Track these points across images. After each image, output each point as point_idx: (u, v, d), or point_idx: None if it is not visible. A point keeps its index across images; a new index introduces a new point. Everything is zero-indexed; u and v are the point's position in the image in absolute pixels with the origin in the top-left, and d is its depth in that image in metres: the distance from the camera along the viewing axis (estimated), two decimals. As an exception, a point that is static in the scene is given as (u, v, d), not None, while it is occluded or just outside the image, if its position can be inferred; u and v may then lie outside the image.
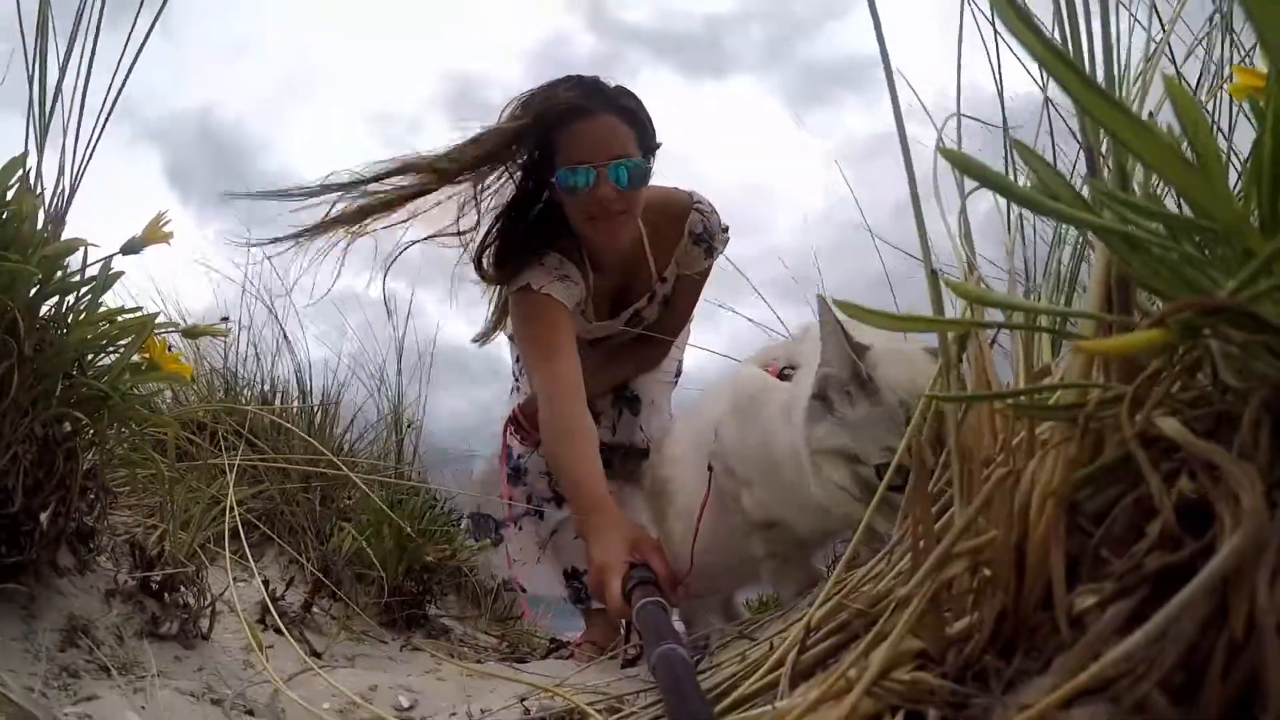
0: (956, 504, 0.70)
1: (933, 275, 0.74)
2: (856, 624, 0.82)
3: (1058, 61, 0.53)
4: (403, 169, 2.38)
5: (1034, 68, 1.09)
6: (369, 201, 2.35)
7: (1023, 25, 0.52)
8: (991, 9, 0.56)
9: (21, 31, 1.17)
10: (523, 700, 1.22)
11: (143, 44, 1.24)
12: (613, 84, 2.43)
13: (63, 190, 1.17)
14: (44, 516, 1.19)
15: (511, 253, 2.51)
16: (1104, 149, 0.68)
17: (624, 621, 1.84)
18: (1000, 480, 0.63)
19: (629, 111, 2.40)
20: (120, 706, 1.01)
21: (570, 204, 2.41)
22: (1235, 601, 0.47)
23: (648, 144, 2.45)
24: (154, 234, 1.25)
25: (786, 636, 0.94)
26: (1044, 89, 1.11)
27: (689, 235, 2.54)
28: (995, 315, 0.83)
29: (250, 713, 1.19)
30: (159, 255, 1.32)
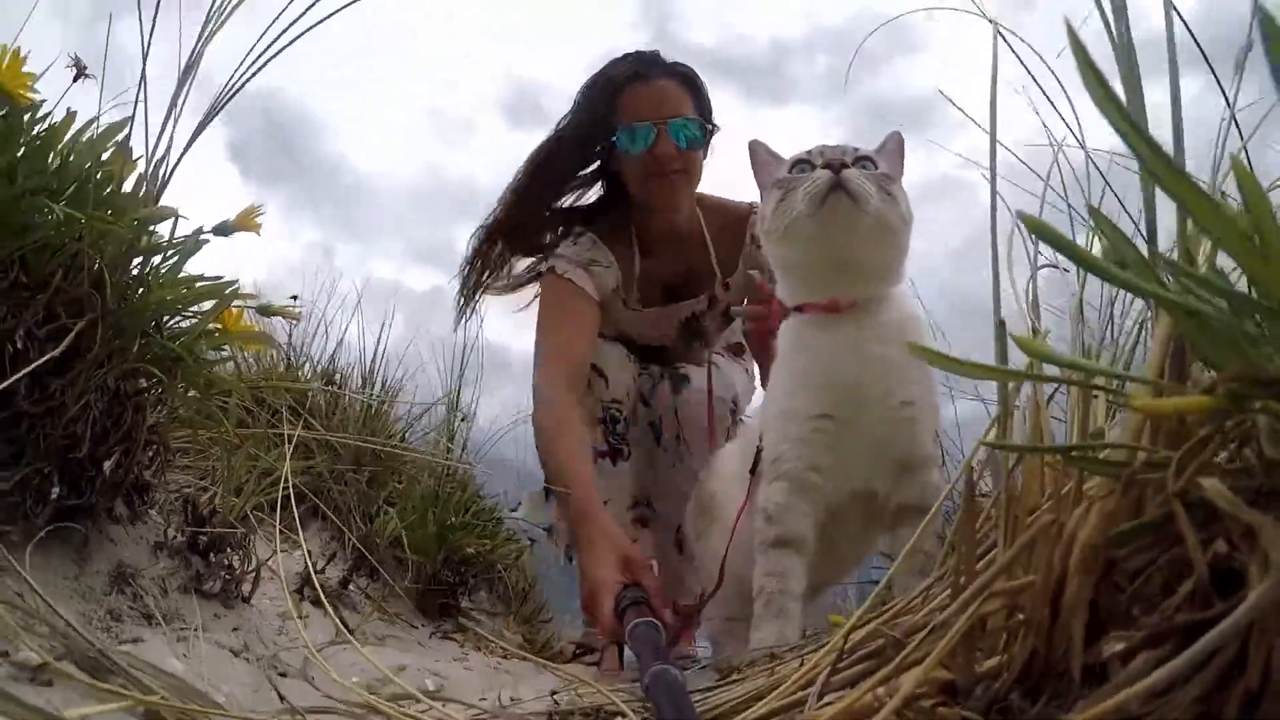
0: (1000, 545, 0.73)
1: (1000, 326, 0.76)
2: (890, 652, 0.82)
3: (1139, 137, 0.56)
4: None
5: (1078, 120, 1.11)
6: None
7: (1109, 101, 0.55)
8: (1081, 78, 0.57)
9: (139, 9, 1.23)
10: (553, 694, 1.24)
11: (226, 16, 1.30)
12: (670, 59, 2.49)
13: (165, 160, 1.23)
14: (107, 465, 1.25)
15: (548, 224, 2.60)
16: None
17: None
18: (1043, 527, 0.65)
19: (687, 78, 2.46)
20: (164, 652, 1.05)
21: (628, 165, 2.44)
22: (1254, 652, 0.49)
23: (705, 113, 2.49)
24: (246, 222, 1.31)
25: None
26: (1083, 145, 1.12)
27: (752, 240, 2.55)
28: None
29: (283, 674, 1.23)
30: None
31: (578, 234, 2.53)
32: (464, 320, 2.74)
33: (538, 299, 2.51)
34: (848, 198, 1.45)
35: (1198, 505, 0.57)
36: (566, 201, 2.63)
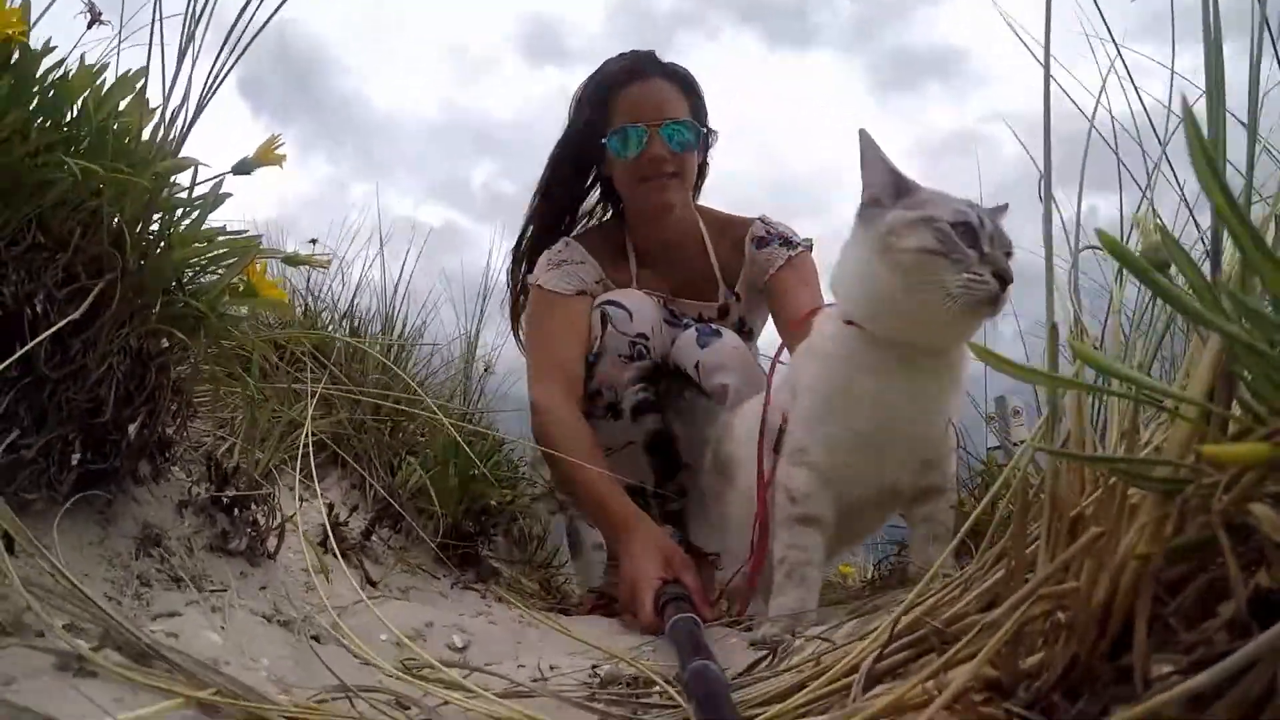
0: (1042, 548, 0.75)
1: (1053, 329, 0.78)
2: (932, 640, 0.84)
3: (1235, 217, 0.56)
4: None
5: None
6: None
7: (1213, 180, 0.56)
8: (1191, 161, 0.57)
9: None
10: (594, 667, 1.23)
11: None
12: (667, 60, 2.44)
13: (185, 110, 1.17)
14: (132, 428, 1.21)
15: (539, 241, 2.58)
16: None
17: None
18: (1094, 538, 0.66)
19: (682, 79, 2.42)
20: (200, 625, 1.03)
21: (621, 169, 2.42)
22: None
23: (700, 116, 2.45)
24: (267, 155, 1.25)
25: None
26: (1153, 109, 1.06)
27: (751, 241, 2.51)
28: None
29: (316, 639, 1.21)
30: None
31: (557, 242, 2.53)
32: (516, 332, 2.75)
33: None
34: (993, 310, 1.39)
35: (1240, 529, 0.58)
36: (588, 203, 2.64)
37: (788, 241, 2.49)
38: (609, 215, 2.67)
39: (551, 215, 2.58)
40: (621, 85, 2.36)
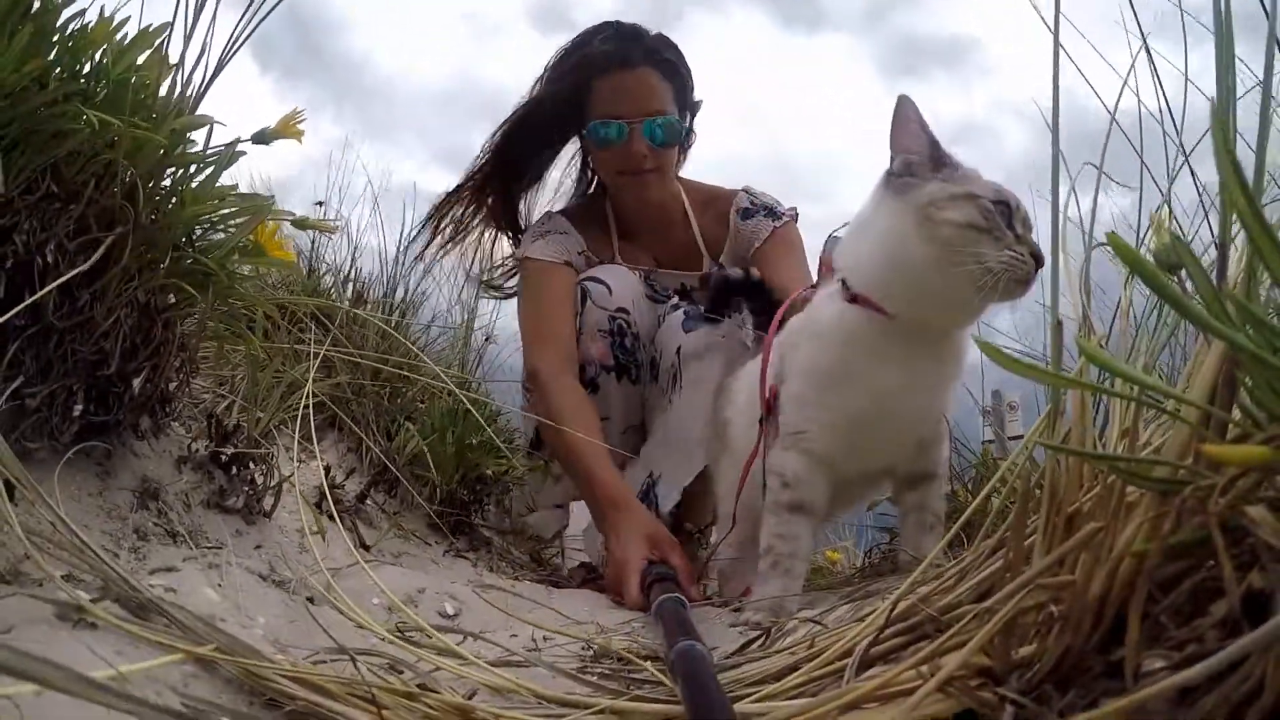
0: (1039, 539, 0.76)
1: (1057, 326, 0.78)
2: (927, 627, 0.85)
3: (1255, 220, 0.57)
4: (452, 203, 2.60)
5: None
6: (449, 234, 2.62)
7: (1239, 187, 0.57)
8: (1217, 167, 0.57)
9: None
10: (586, 642, 1.24)
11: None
12: (653, 32, 2.39)
13: (205, 66, 1.17)
14: (136, 382, 1.22)
15: (523, 188, 2.61)
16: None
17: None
18: (1091, 533, 0.67)
19: (668, 65, 2.36)
20: (198, 581, 1.03)
21: (600, 157, 2.42)
22: (1273, 675, 0.51)
23: (685, 101, 2.43)
24: (287, 129, 1.25)
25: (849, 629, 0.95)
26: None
27: (736, 213, 2.51)
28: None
29: (310, 599, 1.21)
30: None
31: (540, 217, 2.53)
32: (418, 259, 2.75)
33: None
34: (1024, 290, 1.38)
35: (1233, 528, 0.59)
36: (548, 173, 2.63)
37: (772, 212, 2.49)
38: (592, 186, 2.68)
39: (513, 167, 2.55)
40: (604, 72, 2.32)
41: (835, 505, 1.73)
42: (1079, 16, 0.95)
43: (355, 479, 2.02)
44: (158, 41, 1.13)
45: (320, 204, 2.70)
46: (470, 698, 0.89)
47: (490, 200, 2.57)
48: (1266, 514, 0.57)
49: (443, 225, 2.60)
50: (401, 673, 0.94)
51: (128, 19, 1.11)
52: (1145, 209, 1.12)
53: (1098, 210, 0.93)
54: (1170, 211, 1.03)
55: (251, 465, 1.49)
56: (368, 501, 1.95)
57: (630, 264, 2.48)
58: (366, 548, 1.79)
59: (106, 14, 1.09)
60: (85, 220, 1.10)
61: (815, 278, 2.07)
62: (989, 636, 0.69)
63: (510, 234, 2.64)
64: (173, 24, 1.12)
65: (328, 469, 1.78)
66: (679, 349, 2.27)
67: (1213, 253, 0.71)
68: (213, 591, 1.02)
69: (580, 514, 2.50)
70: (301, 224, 1.38)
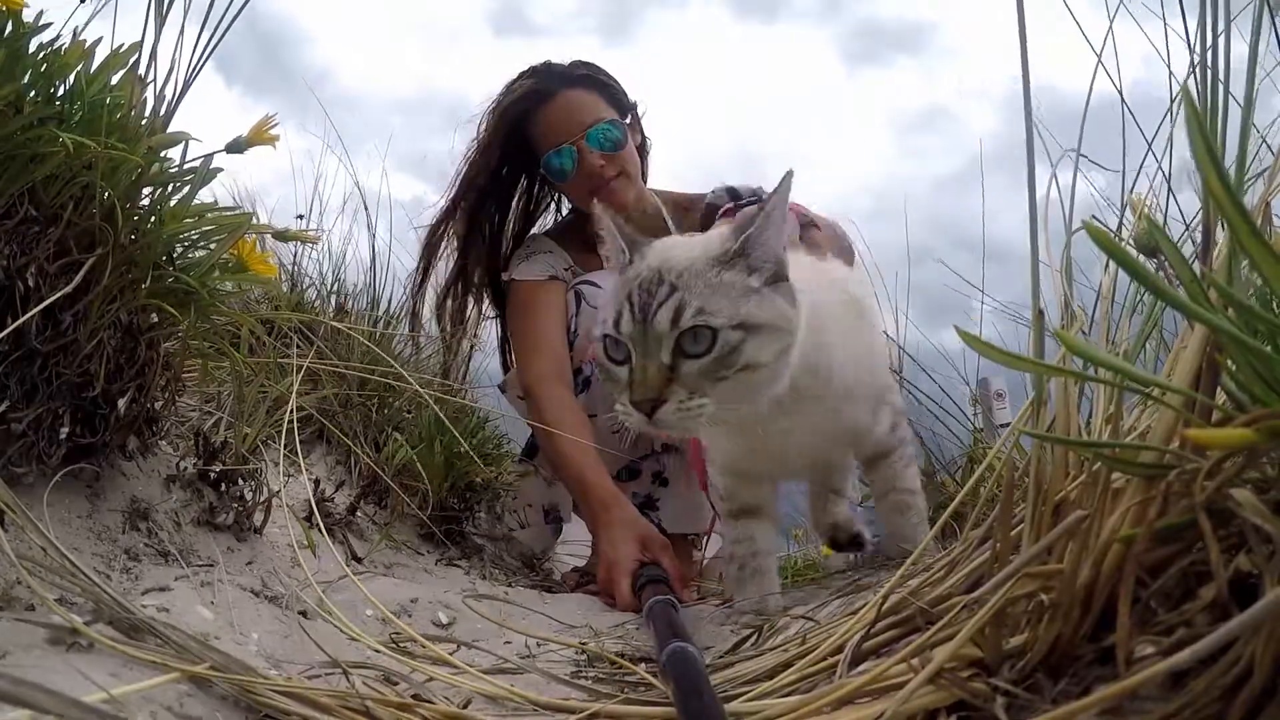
0: (1027, 528, 0.76)
1: (1039, 316, 0.79)
2: (918, 620, 0.85)
3: (1231, 204, 0.57)
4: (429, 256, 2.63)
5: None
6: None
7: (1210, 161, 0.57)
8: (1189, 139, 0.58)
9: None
10: (581, 644, 1.24)
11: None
12: (566, 61, 2.48)
13: (176, 82, 1.17)
14: (121, 403, 1.22)
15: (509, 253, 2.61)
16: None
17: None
18: (1078, 520, 0.67)
19: (587, 79, 2.44)
20: (192, 600, 1.03)
21: (566, 189, 2.48)
22: (1262, 657, 0.51)
23: (620, 103, 2.48)
24: (260, 136, 1.24)
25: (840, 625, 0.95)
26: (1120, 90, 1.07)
27: (721, 216, 2.52)
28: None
29: (304, 614, 1.21)
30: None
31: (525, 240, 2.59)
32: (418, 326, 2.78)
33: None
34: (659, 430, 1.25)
35: (1219, 511, 0.59)
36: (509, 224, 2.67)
37: (756, 196, 2.50)
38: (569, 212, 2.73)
39: (470, 219, 2.58)
40: (530, 113, 2.39)
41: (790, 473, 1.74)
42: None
43: (345, 491, 2.01)
44: (131, 60, 1.13)
45: (301, 217, 2.69)
46: (465, 706, 0.90)
47: (470, 256, 2.62)
48: (1252, 497, 0.57)
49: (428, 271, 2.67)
50: (396, 684, 0.94)
51: (99, 39, 1.11)
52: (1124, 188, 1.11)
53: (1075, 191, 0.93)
54: (1149, 190, 1.04)
55: (240, 481, 1.48)
56: (358, 513, 1.94)
57: None
58: (358, 559, 1.79)
59: (78, 35, 1.08)
60: (65, 243, 1.10)
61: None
62: (979, 627, 0.69)
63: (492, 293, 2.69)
64: (142, 41, 1.12)
65: (316, 482, 1.77)
66: None
67: (1195, 236, 0.72)
68: (206, 610, 1.02)
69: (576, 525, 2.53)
70: (283, 236, 1.38)
